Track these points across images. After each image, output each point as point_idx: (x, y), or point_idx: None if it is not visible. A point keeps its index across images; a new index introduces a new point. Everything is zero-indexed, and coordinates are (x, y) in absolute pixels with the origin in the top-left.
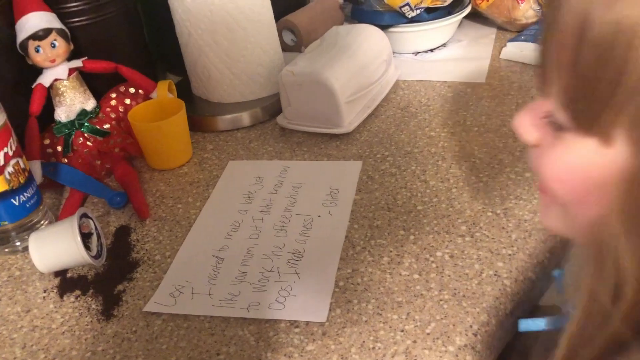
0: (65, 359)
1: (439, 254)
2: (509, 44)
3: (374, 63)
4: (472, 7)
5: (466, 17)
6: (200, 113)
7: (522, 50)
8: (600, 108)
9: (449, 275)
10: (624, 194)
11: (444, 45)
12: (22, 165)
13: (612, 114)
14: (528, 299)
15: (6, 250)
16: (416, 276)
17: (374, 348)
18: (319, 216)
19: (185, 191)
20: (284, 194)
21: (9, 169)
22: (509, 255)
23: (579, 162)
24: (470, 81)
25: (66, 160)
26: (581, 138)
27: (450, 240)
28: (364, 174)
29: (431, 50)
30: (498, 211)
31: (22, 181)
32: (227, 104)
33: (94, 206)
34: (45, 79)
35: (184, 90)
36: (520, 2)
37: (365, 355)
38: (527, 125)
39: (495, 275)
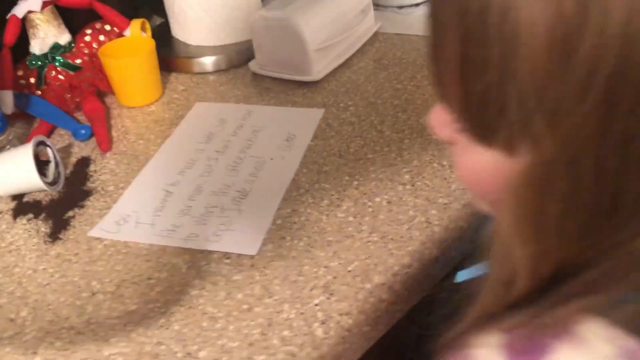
0: (8, 274)
1: (377, 199)
2: None
3: (350, 13)
4: None
5: None
6: (176, 54)
7: None
8: (496, 122)
9: (382, 219)
10: (519, 197)
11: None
12: None
13: (509, 128)
14: (456, 246)
15: None
16: (351, 219)
17: (295, 281)
18: (272, 159)
19: (148, 128)
20: (243, 137)
21: None
22: (445, 204)
23: (484, 167)
24: None
25: (39, 93)
26: (485, 147)
27: (392, 188)
28: (324, 122)
29: (416, 4)
30: (444, 163)
31: None
32: (203, 47)
33: (60, 137)
34: (18, 10)
35: (165, 32)
36: None
37: (286, 287)
38: (440, 125)
39: (426, 222)
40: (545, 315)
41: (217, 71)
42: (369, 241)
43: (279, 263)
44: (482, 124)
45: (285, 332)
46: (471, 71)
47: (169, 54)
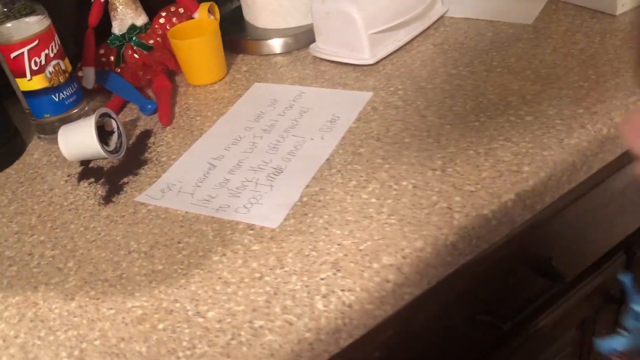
0: (64, 230)
1: (404, 183)
2: None
3: None
4: None
5: None
6: (244, 36)
7: None
8: None
9: (404, 203)
10: None
11: None
12: (62, 67)
13: None
14: (479, 235)
15: (52, 139)
16: (374, 200)
17: (308, 255)
18: (312, 139)
19: (207, 106)
20: (290, 117)
21: (50, 68)
22: (471, 191)
23: None
24: (517, 22)
25: (119, 70)
26: None
27: (421, 173)
28: (370, 105)
29: None
30: (480, 150)
31: (62, 80)
32: (270, 30)
33: (131, 111)
34: None
35: (239, 15)
36: None
37: (298, 260)
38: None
39: (447, 208)
40: None
41: (282, 53)
42: (386, 223)
43: (296, 237)
44: None
45: (288, 302)
46: None
47: (239, 37)
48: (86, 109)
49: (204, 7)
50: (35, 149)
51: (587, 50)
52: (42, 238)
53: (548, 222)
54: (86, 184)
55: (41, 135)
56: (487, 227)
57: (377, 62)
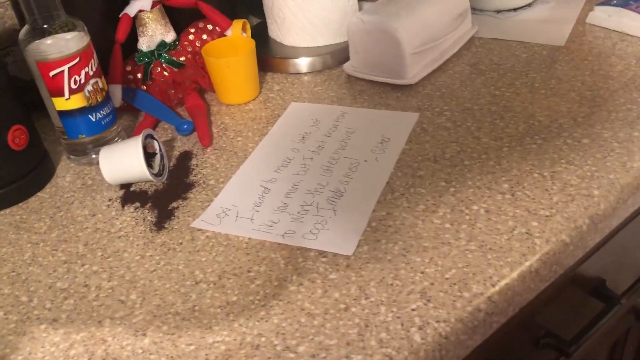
0: (118, 259)
1: (475, 207)
2: (597, 8)
3: (447, 17)
4: None
5: None
6: (272, 54)
7: (610, 16)
8: None
9: (480, 228)
10: None
11: (529, 5)
12: (100, 85)
13: None
14: (558, 261)
15: (83, 161)
16: (447, 225)
17: (392, 285)
18: (366, 161)
19: (246, 126)
20: (337, 138)
21: (89, 87)
22: (546, 216)
23: None
24: (548, 44)
25: (145, 88)
26: None
27: (490, 196)
28: (418, 126)
29: (514, 9)
30: (545, 173)
31: (99, 100)
32: (298, 48)
33: (164, 131)
34: (131, 9)
35: (262, 32)
36: None
37: (382, 289)
38: None
39: (526, 233)
40: None
41: (311, 72)
42: (466, 249)
43: (375, 265)
44: None
45: (383, 335)
46: None
47: (266, 54)
48: (119, 129)
49: (238, 24)
50: (66, 170)
51: (626, 73)
52: (95, 268)
53: (605, 243)
54: (132, 209)
55: (72, 156)
56: (565, 252)
57: (416, 83)
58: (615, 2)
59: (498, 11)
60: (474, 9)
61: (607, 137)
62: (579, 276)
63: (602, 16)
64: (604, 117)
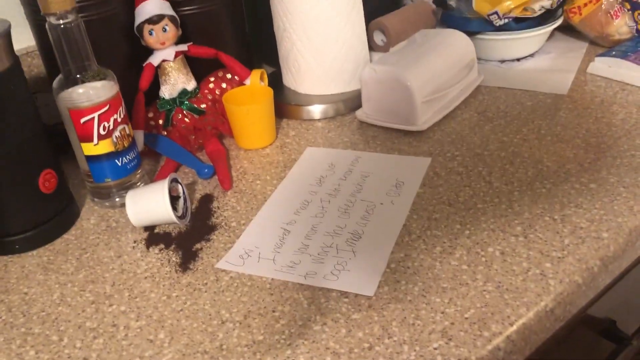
0: (145, 299)
1: (490, 249)
2: (597, 59)
3: (455, 67)
4: (565, 20)
5: (559, 29)
6: (287, 102)
7: (610, 66)
8: None
9: (496, 270)
10: None
11: (531, 55)
12: (127, 132)
13: None
14: (571, 301)
15: (107, 204)
16: (464, 267)
17: (413, 324)
18: (382, 204)
19: (265, 170)
20: (352, 181)
21: (117, 133)
22: (559, 257)
23: None
24: (552, 92)
25: (165, 133)
26: None
27: (504, 239)
28: (431, 170)
29: (518, 59)
30: (555, 217)
31: (125, 145)
32: (313, 96)
33: (185, 175)
34: (154, 59)
35: (276, 80)
36: (614, 17)
37: (404, 329)
38: None
39: (541, 274)
40: None
41: (325, 118)
42: (484, 290)
43: (396, 306)
44: None
45: None
46: None
47: (281, 101)
48: (143, 174)
49: (256, 74)
50: (90, 213)
51: (628, 121)
52: (122, 308)
53: (615, 284)
54: (157, 250)
55: (96, 199)
56: (578, 293)
57: (426, 129)
58: (614, 53)
59: (502, 61)
60: (479, 59)
61: (613, 182)
62: (589, 317)
63: (603, 67)
64: (609, 162)
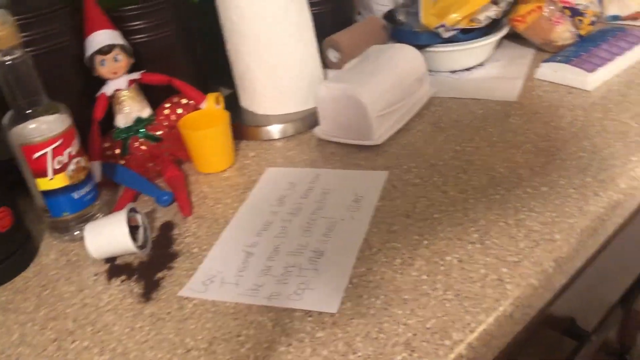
0: (108, 332)
1: (448, 258)
2: (543, 65)
3: (407, 81)
4: (511, 29)
5: (507, 37)
6: (245, 123)
7: (556, 71)
8: None
9: (455, 278)
10: None
11: (481, 64)
12: (82, 164)
13: None
14: (529, 303)
15: (66, 238)
16: (424, 277)
17: (377, 338)
18: (343, 220)
19: (225, 193)
20: (313, 199)
21: (72, 166)
22: (514, 262)
23: None
24: (502, 99)
25: (123, 162)
26: None
27: (461, 247)
28: (389, 183)
29: (468, 69)
30: (510, 222)
31: (82, 178)
32: (270, 116)
33: (144, 203)
34: (108, 89)
35: (233, 102)
36: (556, 24)
37: (368, 344)
38: None
39: (498, 279)
40: None
41: (284, 137)
42: (444, 299)
43: (359, 321)
44: None
45: None
46: None
47: (239, 122)
48: (101, 205)
49: (212, 97)
50: (49, 248)
51: (575, 123)
52: (85, 343)
53: (572, 284)
54: (118, 282)
55: (55, 234)
56: (535, 295)
57: (382, 143)
58: (559, 58)
59: (453, 71)
60: (430, 71)
61: (563, 184)
62: (550, 317)
63: (549, 72)
64: (558, 165)
